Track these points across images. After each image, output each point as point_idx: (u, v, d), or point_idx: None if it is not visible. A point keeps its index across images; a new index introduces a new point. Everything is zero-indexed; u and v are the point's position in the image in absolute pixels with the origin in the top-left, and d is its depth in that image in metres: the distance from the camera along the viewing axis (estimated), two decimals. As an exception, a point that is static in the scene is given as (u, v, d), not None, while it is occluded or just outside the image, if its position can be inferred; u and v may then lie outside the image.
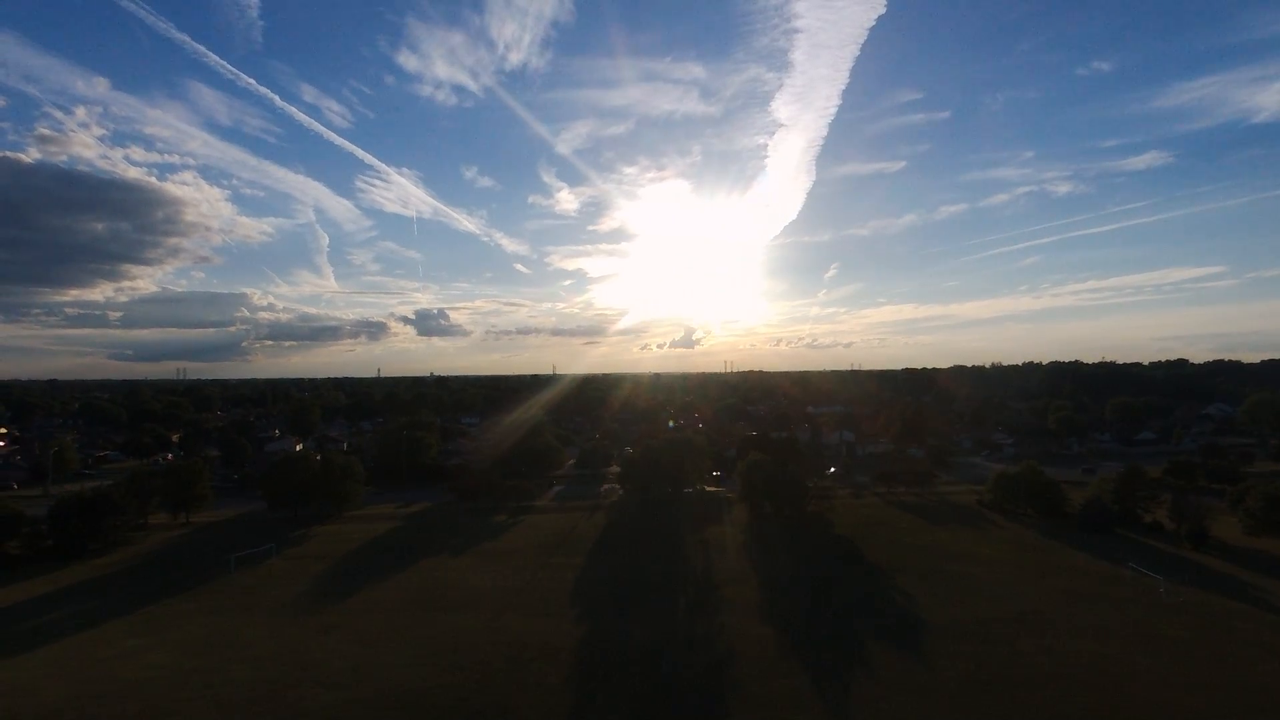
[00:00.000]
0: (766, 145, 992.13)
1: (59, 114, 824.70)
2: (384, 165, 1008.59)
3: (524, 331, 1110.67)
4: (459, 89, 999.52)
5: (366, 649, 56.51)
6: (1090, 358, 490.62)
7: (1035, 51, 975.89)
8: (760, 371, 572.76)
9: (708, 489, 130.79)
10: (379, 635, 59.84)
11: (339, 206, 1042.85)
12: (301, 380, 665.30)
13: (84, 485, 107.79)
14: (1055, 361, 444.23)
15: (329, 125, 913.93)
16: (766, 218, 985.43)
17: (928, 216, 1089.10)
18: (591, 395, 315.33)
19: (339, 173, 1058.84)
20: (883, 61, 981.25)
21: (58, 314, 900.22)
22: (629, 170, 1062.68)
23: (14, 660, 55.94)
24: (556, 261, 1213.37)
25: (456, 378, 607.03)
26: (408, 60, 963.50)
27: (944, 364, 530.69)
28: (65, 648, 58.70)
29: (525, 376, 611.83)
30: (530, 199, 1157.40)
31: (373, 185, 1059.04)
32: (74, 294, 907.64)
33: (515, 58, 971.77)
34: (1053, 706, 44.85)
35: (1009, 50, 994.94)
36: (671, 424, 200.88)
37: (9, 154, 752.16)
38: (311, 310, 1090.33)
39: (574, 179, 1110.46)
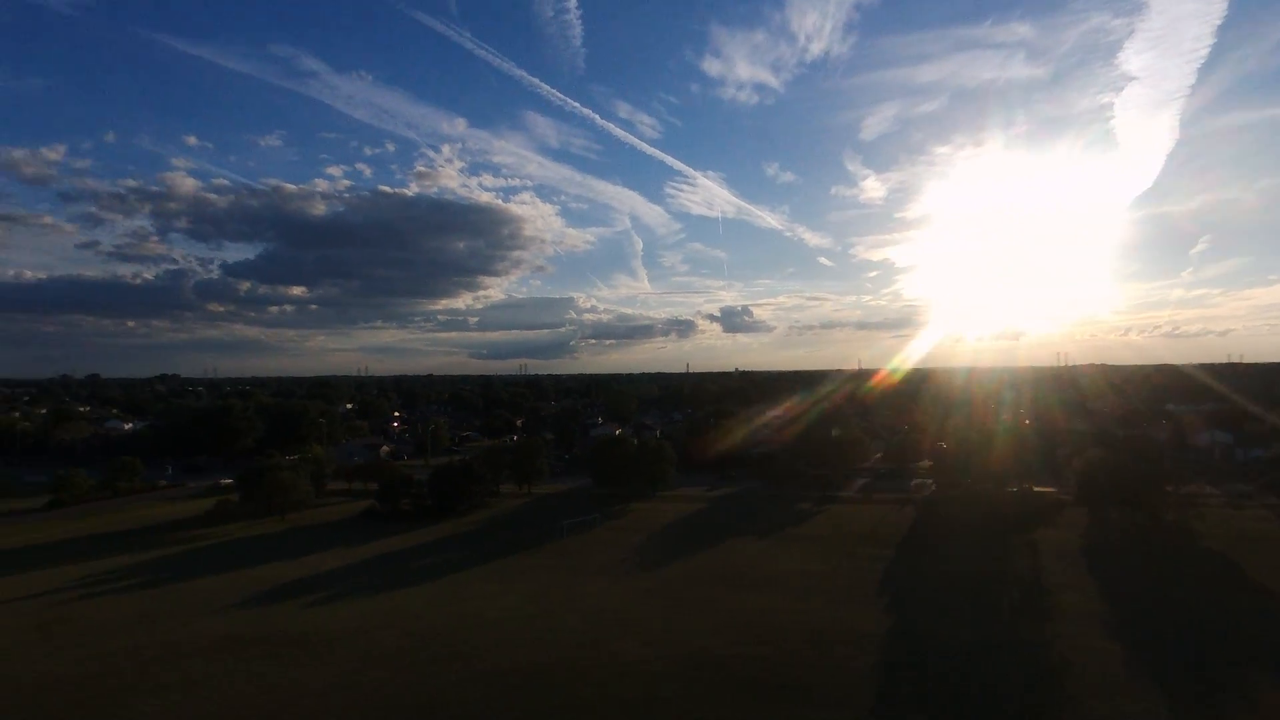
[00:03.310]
0: (1112, 104, 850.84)
1: (431, 153, 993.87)
2: (691, 170, 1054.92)
3: (828, 326, 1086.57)
4: (760, 87, 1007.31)
5: (677, 614, 60.19)
6: None
7: None
8: (1103, 365, 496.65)
9: (1035, 488, 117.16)
10: (688, 603, 63.37)
11: (651, 212, 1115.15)
12: (619, 375, 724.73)
13: (453, 458, 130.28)
14: None
15: (641, 137, 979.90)
16: (1111, 188, 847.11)
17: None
18: (900, 388, 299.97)
19: (651, 181, 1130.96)
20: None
21: (432, 320, 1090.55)
22: (941, 150, 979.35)
23: (407, 590, 69.63)
24: (861, 253, 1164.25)
25: (761, 373, 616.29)
26: (711, 65, 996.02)
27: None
28: (441, 586, 71.60)
29: (830, 371, 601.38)
30: (833, 190, 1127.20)
31: (680, 190, 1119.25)
32: (444, 304, 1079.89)
33: (817, 48, 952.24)
34: None
35: None
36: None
37: (398, 190, 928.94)
38: (628, 311, 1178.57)
39: (880, 164, 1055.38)
